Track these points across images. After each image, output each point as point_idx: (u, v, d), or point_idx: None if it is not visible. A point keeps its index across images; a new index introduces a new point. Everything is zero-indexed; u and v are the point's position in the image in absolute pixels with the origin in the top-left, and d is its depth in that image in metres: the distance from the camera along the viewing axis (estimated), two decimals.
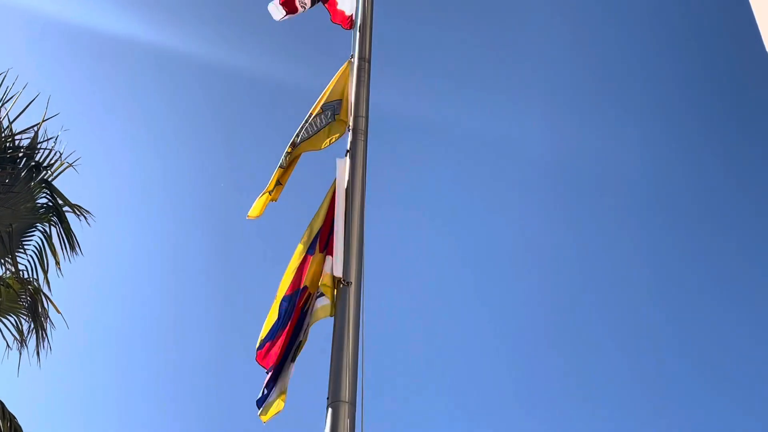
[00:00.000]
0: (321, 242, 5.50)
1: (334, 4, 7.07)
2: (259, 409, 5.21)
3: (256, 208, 6.11)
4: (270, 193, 6.10)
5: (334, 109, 6.37)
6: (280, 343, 5.22)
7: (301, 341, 5.20)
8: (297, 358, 5.22)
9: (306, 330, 5.20)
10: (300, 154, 6.26)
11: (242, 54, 17.59)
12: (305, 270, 5.41)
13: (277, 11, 7.02)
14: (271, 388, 5.21)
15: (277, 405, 5.17)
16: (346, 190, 5.60)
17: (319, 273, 5.35)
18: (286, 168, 6.17)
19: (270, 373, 5.20)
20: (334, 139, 6.27)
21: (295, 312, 5.29)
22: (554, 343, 17.84)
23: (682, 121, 18.62)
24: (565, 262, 18.28)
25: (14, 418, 8.63)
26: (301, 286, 5.36)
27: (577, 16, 18.20)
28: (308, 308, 5.26)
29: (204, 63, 18.08)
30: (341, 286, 5.06)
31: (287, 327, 5.26)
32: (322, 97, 6.48)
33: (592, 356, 17.52)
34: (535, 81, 18.28)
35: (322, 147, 6.29)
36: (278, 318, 5.27)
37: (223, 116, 18.73)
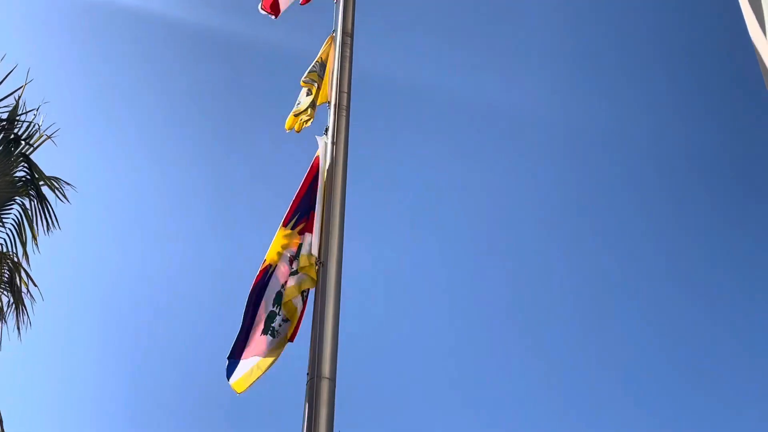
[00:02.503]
0: (286, 217, 5.50)
1: None
2: (228, 379, 5.18)
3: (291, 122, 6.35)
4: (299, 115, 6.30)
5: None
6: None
7: (273, 311, 5.16)
8: (274, 331, 5.17)
9: (277, 299, 5.18)
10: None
11: (222, 16, 17.45)
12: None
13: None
14: (238, 357, 5.18)
15: (251, 374, 5.13)
16: (327, 169, 5.57)
17: (280, 246, 5.40)
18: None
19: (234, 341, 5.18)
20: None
21: (254, 282, 5.30)
22: (530, 320, 18.01)
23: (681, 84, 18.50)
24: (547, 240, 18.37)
25: None
26: (263, 265, 5.38)
27: None
28: (267, 280, 5.25)
29: (184, 25, 17.90)
30: (319, 265, 5.09)
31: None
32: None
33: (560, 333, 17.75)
34: (527, 47, 18.21)
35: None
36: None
37: (206, 82, 18.58)
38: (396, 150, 17.00)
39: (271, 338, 5.12)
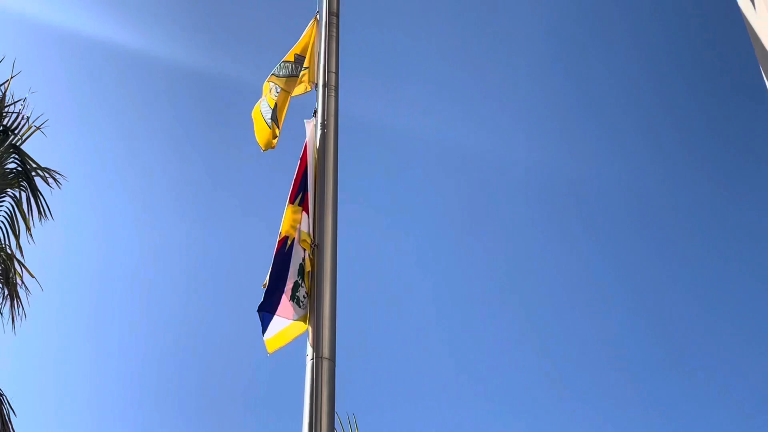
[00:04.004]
0: (292, 194, 5.52)
1: None
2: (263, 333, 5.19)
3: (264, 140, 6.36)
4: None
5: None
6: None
7: (297, 281, 5.17)
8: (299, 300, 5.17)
9: (301, 271, 5.21)
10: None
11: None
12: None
13: None
14: (272, 312, 5.19)
15: (281, 337, 5.14)
16: (318, 150, 5.59)
17: (293, 220, 5.43)
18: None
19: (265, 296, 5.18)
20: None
21: (275, 250, 5.33)
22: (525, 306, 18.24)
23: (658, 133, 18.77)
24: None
25: None
26: (280, 237, 5.42)
27: (557, 26, 18.17)
28: (288, 250, 5.28)
29: (169, 17, 17.86)
30: (314, 247, 5.14)
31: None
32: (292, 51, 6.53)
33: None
34: (512, 93, 18.38)
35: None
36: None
37: (197, 74, 18.55)
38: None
39: (297, 306, 5.11)
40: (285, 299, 5.12)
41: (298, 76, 6.49)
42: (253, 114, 6.55)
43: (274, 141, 6.31)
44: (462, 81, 18.70)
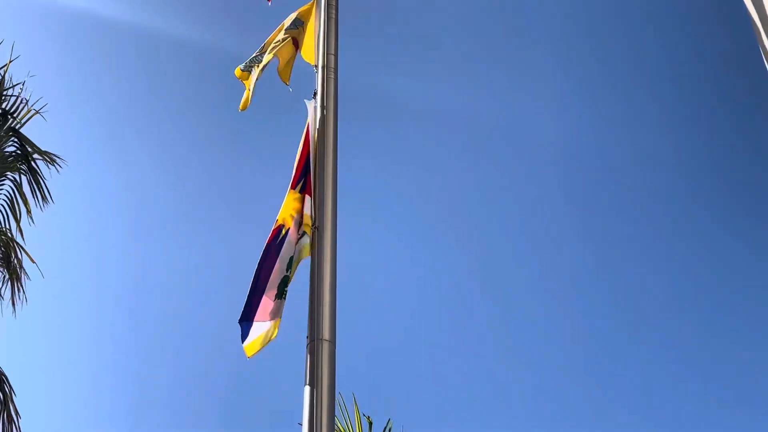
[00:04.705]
0: (294, 180, 5.56)
1: None
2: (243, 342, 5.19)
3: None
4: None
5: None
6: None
7: (286, 276, 5.21)
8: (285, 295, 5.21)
9: (290, 264, 5.23)
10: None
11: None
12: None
13: None
14: (251, 320, 5.20)
15: (263, 338, 5.15)
16: (318, 131, 5.63)
17: (292, 209, 5.43)
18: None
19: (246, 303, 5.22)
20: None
21: (267, 241, 5.36)
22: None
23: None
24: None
25: None
26: (275, 225, 5.44)
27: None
28: (280, 242, 5.31)
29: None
30: (314, 230, 5.18)
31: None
32: (281, 26, 6.64)
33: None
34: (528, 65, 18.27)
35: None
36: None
37: (194, 54, 18.54)
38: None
39: (280, 302, 5.16)
40: (266, 300, 5.15)
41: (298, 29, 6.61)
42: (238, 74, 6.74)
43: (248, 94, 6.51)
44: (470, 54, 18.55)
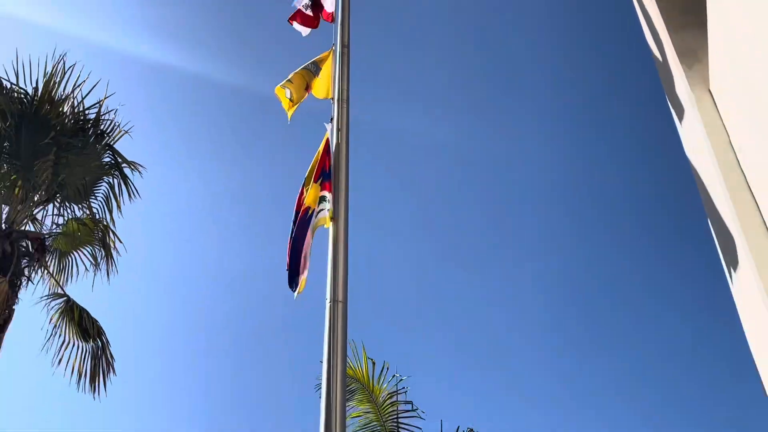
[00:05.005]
0: (315, 176, 6.07)
1: (322, 7, 7.43)
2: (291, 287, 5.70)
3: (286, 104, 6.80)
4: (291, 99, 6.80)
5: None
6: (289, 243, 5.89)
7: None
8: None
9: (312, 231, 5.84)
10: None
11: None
12: (302, 195, 6.07)
13: (301, 29, 7.45)
14: (297, 273, 5.68)
15: (304, 283, 5.67)
16: (334, 150, 6.07)
17: (315, 197, 5.91)
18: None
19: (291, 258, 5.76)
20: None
21: (298, 221, 5.95)
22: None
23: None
24: None
25: (96, 321, 9.70)
26: (304, 206, 5.98)
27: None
28: (309, 218, 5.84)
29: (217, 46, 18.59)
30: (333, 220, 5.61)
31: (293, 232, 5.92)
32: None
33: None
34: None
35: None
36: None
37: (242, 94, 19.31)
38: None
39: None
40: (305, 259, 5.74)
41: (316, 75, 6.93)
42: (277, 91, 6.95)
43: (290, 110, 6.78)
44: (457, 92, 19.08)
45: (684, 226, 17.26)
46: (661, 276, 18.16)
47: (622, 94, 17.97)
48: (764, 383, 2.70)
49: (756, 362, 2.77)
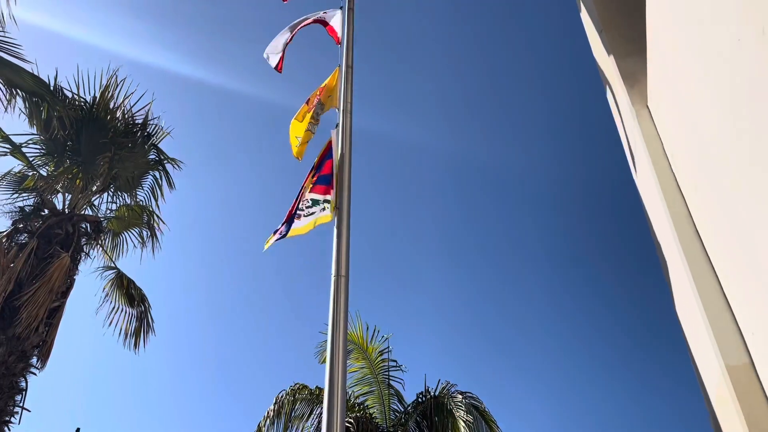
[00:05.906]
0: (315, 176, 5.95)
1: (327, 24, 7.27)
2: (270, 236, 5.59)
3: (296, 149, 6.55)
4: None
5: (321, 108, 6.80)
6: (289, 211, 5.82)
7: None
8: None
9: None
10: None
11: None
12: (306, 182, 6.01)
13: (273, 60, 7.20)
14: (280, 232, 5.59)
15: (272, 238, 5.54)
16: (338, 153, 5.95)
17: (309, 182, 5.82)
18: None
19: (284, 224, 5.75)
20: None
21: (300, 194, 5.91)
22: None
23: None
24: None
25: (140, 289, 9.76)
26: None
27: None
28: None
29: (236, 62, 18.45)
30: (335, 210, 5.56)
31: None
32: (321, 88, 6.86)
33: None
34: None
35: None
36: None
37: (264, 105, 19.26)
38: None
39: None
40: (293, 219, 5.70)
41: (317, 122, 6.74)
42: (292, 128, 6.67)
43: (298, 149, 6.51)
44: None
45: None
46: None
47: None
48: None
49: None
